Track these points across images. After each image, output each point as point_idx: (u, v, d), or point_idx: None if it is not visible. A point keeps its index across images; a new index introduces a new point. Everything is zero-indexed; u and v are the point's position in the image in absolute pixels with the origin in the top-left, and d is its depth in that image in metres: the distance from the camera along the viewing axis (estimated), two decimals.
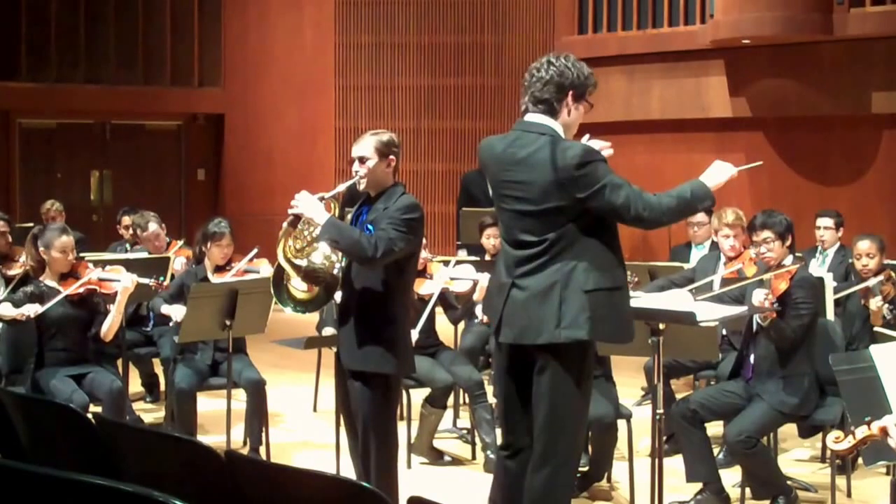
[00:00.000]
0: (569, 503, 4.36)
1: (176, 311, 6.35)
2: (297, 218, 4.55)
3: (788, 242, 5.54)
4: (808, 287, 5.45)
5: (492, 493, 4.61)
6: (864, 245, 6.58)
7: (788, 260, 5.55)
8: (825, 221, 7.66)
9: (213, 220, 6.73)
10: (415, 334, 6.15)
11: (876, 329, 5.96)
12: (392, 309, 4.62)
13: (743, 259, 6.50)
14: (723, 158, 4.41)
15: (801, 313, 5.39)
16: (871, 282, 6.42)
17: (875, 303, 6.31)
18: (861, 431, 3.62)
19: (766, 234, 5.49)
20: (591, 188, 4.04)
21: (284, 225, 4.56)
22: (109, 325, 6.05)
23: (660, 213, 4.08)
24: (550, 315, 4.05)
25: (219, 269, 6.60)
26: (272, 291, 4.72)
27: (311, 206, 4.52)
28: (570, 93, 4.18)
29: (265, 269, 6.79)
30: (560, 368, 4.09)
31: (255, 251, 6.86)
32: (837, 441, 3.65)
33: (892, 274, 6.48)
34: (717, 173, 4.22)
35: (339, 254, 4.63)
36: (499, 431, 6.27)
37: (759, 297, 5.34)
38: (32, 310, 5.86)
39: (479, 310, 6.72)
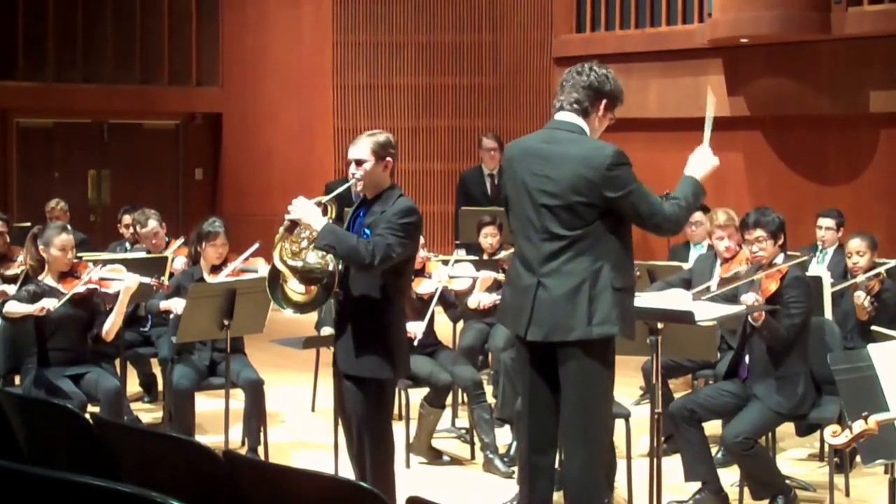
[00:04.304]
0: (603, 487, 4.57)
1: (176, 304, 6.34)
2: (294, 223, 4.54)
3: (781, 241, 5.53)
4: (799, 286, 5.44)
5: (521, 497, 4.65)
6: (854, 243, 6.74)
7: (780, 259, 5.54)
8: (827, 222, 7.65)
9: (208, 219, 6.73)
10: (420, 328, 6.17)
11: (874, 329, 5.97)
12: (388, 313, 4.61)
13: (740, 259, 6.51)
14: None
15: (793, 313, 5.38)
16: (860, 278, 6.50)
17: (857, 297, 6.39)
18: (858, 426, 3.63)
19: (759, 232, 5.49)
20: (621, 190, 4.22)
21: (281, 230, 4.55)
22: (111, 326, 6.05)
23: (674, 224, 4.37)
24: (581, 312, 4.20)
25: (214, 268, 6.60)
26: (269, 294, 4.71)
27: (307, 212, 4.51)
28: (604, 101, 4.39)
29: (262, 269, 6.79)
30: (588, 361, 4.25)
31: (255, 246, 6.85)
32: (835, 435, 3.66)
33: (884, 273, 6.53)
34: (701, 165, 4.47)
35: None
36: (499, 431, 6.32)
37: (749, 300, 5.33)
38: (51, 304, 5.86)
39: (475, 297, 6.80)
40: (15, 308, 5.92)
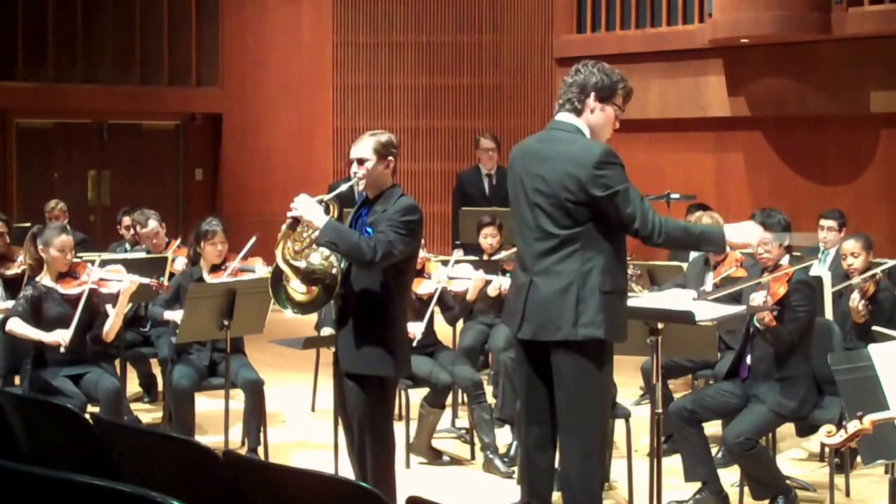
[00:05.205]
0: (601, 486, 4.62)
1: (178, 316, 6.33)
2: (297, 221, 4.55)
3: (786, 242, 5.53)
4: (804, 289, 5.44)
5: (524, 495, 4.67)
6: (848, 245, 6.72)
7: (785, 260, 5.54)
8: (829, 222, 7.64)
9: (205, 219, 6.73)
10: (420, 328, 6.17)
11: (874, 329, 5.97)
12: (390, 311, 4.63)
13: (730, 262, 6.52)
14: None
15: (798, 315, 5.38)
16: (856, 280, 6.49)
17: (852, 299, 6.38)
18: (853, 426, 3.63)
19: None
20: (607, 190, 4.23)
21: (283, 227, 4.55)
22: (111, 326, 6.04)
23: (658, 236, 4.26)
24: (568, 313, 4.24)
25: (214, 268, 6.60)
26: (270, 293, 4.71)
27: (310, 209, 4.52)
28: (594, 94, 4.39)
29: (259, 268, 6.79)
30: (580, 362, 4.28)
31: (253, 239, 6.85)
32: (829, 435, 3.67)
33: (881, 274, 6.52)
34: (743, 232, 4.40)
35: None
36: (499, 431, 6.32)
37: (758, 300, 5.33)
38: (63, 336, 5.82)
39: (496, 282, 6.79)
40: (22, 331, 5.89)
